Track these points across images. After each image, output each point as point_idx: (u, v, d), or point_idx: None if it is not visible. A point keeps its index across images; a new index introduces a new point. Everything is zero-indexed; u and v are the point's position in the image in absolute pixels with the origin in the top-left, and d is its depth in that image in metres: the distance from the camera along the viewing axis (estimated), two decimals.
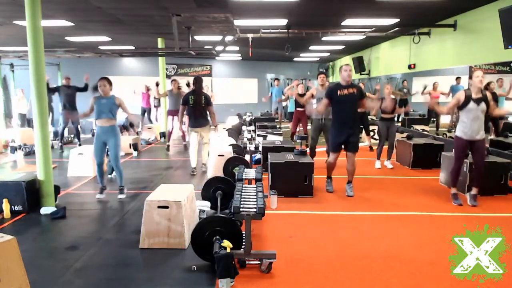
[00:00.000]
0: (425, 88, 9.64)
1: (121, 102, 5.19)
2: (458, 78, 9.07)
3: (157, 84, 10.23)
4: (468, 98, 4.66)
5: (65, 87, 9.29)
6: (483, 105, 4.64)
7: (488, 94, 4.76)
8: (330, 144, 5.42)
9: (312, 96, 6.87)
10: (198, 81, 6.58)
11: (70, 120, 9.49)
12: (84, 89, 9.05)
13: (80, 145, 9.05)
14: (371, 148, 9.10)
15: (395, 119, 7.54)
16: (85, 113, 5.35)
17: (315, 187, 5.38)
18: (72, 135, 10.46)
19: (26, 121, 12.41)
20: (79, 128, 10.03)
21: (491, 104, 4.75)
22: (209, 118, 6.68)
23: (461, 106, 4.71)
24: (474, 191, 4.94)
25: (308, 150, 6.37)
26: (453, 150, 5.00)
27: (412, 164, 7.09)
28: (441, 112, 4.99)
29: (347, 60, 15.93)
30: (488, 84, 7.60)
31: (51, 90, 9.16)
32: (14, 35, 9.89)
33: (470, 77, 4.76)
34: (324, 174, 5.65)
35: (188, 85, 9.64)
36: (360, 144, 9.46)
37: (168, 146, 9.16)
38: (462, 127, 4.76)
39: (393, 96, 7.18)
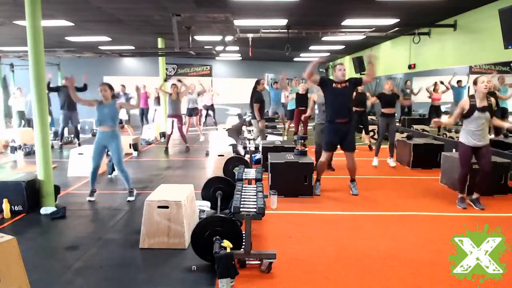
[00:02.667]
0: (419, 90, 9.77)
1: (121, 104, 5.26)
2: (459, 82, 9.10)
3: (165, 80, 10.25)
4: (472, 108, 4.54)
5: (65, 87, 9.32)
6: (487, 113, 4.55)
7: (492, 100, 4.63)
8: (324, 142, 5.39)
9: (314, 102, 6.87)
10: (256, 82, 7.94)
11: (70, 120, 9.52)
12: (84, 89, 9.08)
13: (79, 145, 9.05)
14: (370, 147, 9.10)
15: (395, 117, 7.54)
16: (80, 99, 5.25)
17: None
18: (72, 135, 10.47)
19: (26, 121, 12.42)
20: (78, 128, 10.05)
21: (493, 119, 4.67)
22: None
23: (466, 116, 4.61)
24: (475, 195, 4.87)
25: (307, 149, 6.35)
26: (458, 156, 4.89)
27: (412, 164, 7.08)
28: (449, 124, 4.87)
29: (347, 60, 15.93)
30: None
31: (52, 90, 9.20)
32: (14, 35, 9.88)
33: (475, 83, 4.59)
34: (324, 174, 5.64)
35: (180, 81, 9.69)
36: (360, 144, 9.50)
37: (167, 148, 9.16)
38: (467, 135, 4.66)
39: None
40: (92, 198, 5.21)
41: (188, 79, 14.99)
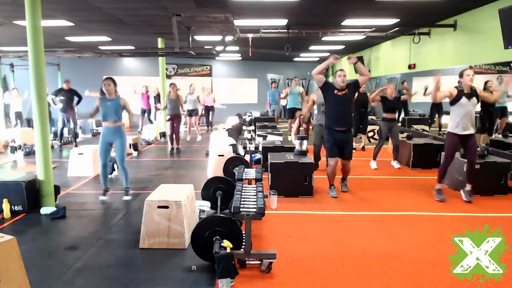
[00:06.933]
0: (426, 89, 9.55)
1: (125, 102, 5.19)
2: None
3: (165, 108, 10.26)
4: (460, 93, 4.82)
5: (64, 90, 9.34)
6: (474, 100, 4.84)
7: (480, 91, 4.95)
8: (327, 149, 5.39)
9: (313, 102, 6.85)
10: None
11: (69, 120, 9.52)
12: (79, 99, 9.48)
13: (76, 146, 9.04)
14: (363, 148, 9.09)
15: (397, 120, 7.54)
16: (90, 113, 5.29)
17: (315, 187, 5.38)
18: (72, 136, 10.47)
19: (26, 121, 12.41)
20: (77, 130, 10.04)
21: (483, 94, 4.96)
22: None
23: (453, 101, 4.86)
24: (468, 187, 5.06)
25: (309, 150, 6.35)
26: (444, 147, 5.13)
27: (412, 164, 7.08)
28: (437, 94, 4.93)
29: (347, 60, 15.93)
30: (486, 83, 7.63)
31: (56, 94, 9.36)
32: (14, 35, 9.89)
33: (461, 76, 4.91)
34: (325, 174, 5.63)
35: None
36: (358, 145, 9.48)
37: (172, 149, 9.16)
38: (454, 122, 4.91)
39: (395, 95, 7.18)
40: (104, 198, 5.18)
41: (188, 79, 15.01)
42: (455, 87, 4.92)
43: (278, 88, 14.29)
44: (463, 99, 4.79)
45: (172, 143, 9.26)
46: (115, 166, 6.53)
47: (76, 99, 9.49)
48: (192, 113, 11.48)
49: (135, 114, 13.79)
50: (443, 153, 6.17)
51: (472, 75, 4.78)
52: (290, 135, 10.74)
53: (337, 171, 5.39)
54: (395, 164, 7.22)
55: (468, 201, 4.96)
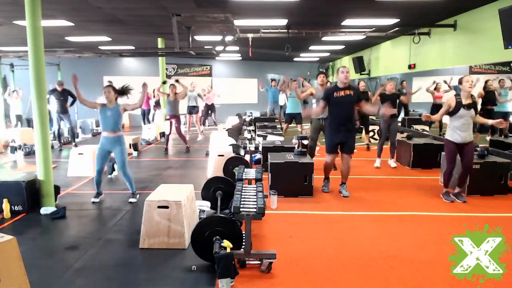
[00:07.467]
0: (418, 89, 9.56)
1: (125, 106, 5.07)
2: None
3: (164, 82, 10.32)
4: (459, 104, 4.78)
5: (57, 91, 9.21)
6: (472, 111, 4.81)
7: (478, 99, 4.95)
8: (326, 145, 5.41)
9: (312, 94, 6.84)
10: None
11: (64, 121, 9.45)
12: (74, 99, 9.36)
13: (76, 146, 9.03)
14: (368, 147, 9.10)
15: (397, 117, 7.54)
16: (84, 98, 5.02)
17: (315, 187, 5.38)
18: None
19: (26, 121, 12.40)
20: (75, 130, 10.02)
21: (477, 116, 4.93)
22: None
23: (452, 112, 4.85)
24: (457, 190, 5.12)
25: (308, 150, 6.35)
26: (444, 153, 5.14)
27: (412, 164, 7.08)
28: (435, 119, 5.18)
29: (347, 60, 15.94)
30: (486, 82, 7.63)
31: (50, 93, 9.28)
32: (14, 35, 9.89)
33: (460, 83, 4.87)
34: (323, 174, 5.64)
35: (177, 81, 9.56)
36: (359, 144, 9.49)
37: (166, 149, 9.14)
38: (453, 132, 4.90)
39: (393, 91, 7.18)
40: (96, 200, 5.16)
41: (188, 79, 15.00)
42: (454, 95, 4.87)
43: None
44: (462, 111, 4.77)
45: (167, 143, 9.23)
46: (115, 166, 6.53)
47: (70, 99, 9.34)
48: (192, 110, 11.43)
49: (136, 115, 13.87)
50: (443, 153, 6.19)
51: (472, 81, 4.75)
52: (284, 135, 10.72)
53: (337, 167, 5.39)
54: (392, 163, 7.22)
55: (464, 202, 4.98)
